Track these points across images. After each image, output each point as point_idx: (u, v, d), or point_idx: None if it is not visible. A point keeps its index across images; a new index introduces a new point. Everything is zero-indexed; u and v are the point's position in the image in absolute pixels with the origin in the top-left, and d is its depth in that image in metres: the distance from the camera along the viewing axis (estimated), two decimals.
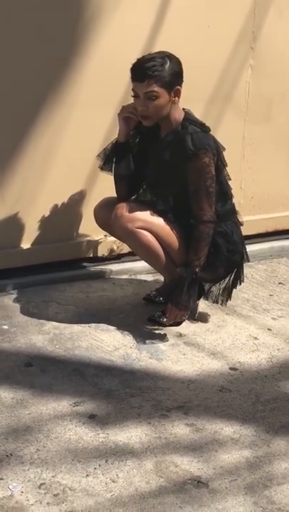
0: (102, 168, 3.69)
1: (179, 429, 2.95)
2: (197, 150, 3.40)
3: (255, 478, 2.68)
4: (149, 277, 4.21)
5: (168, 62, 3.41)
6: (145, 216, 3.49)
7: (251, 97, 4.36)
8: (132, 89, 3.47)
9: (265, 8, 4.23)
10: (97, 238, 4.18)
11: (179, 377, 3.31)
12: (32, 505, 2.49)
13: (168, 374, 3.32)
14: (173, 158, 3.49)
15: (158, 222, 3.51)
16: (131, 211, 3.48)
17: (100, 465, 2.70)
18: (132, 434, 2.90)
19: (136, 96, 3.47)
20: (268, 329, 3.77)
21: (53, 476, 2.63)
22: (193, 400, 3.14)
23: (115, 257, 4.27)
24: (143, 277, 4.22)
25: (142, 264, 4.18)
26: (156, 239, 3.51)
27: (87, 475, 2.65)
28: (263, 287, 4.21)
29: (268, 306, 4.02)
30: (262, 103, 4.43)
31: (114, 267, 4.24)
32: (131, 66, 3.45)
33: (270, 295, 4.15)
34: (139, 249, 3.59)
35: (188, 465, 2.73)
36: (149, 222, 3.49)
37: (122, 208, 3.49)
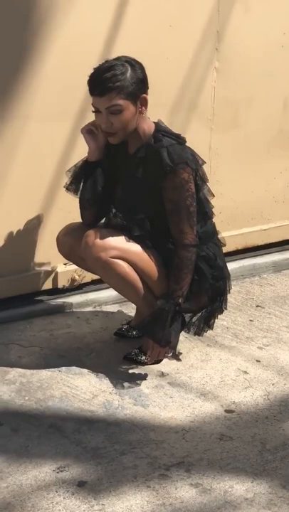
0: (67, 188, 3.26)
1: (184, 491, 2.54)
2: (175, 165, 3.02)
3: None
4: (116, 308, 3.79)
5: (129, 70, 3.02)
6: (120, 244, 3.08)
7: (217, 102, 4.00)
8: (92, 105, 3.06)
9: (230, 5, 3.88)
10: (56, 268, 3.73)
11: (171, 426, 2.90)
12: None
13: (158, 423, 2.91)
14: (147, 176, 3.09)
15: (134, 249, 3.10)
16: (103, 239, 3.06)
17: None
18: (132, 502, 2.48)
19: (97, 111, 3.06)
20: (257, 361, 3.40)
21: None
22: (192, 453, 2.74)
23: (77, 288, 3.83)
24: (109, 308, 3.79)
25: (106, 294, 3.81)
26: (134, 268, 3.10)
27: None
28: (240, 312, 3.84)
29: (250, 333, 3.65)
30: (229, 109, 4.08)
31: (76, 298, 3.81)
32: (88, 78, 3.03)
33: (250, 320, 3.78)
34: (114, 281, 3.17)
35: None
36: (125, 251, 3.08)
37: (93, 236, 3.06)
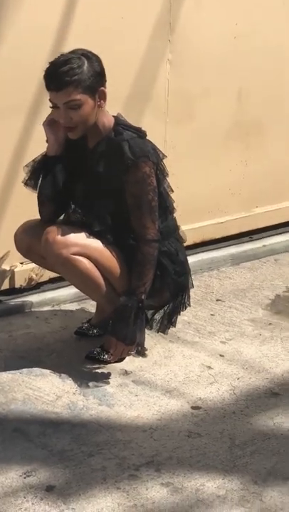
0: (26, 184, 3.17)
1: (155, 491, 2.49)
2: (136, 158, 2.96)
3: None
4: (75, 306, 3.72)
5: (86, 62, 2.94)
6: (81, 240, 3.01)
7: (171, 95, 3.94)
8: (50, 100, 2.98)
9: None
10: (12, 267, 3.64)
11: (138, 425, 2.84)
12: None
13: (125, 422, 2.85)
14: (107, 171, 3.02)
15: (96, 245, 3.03)
16: (64, 235, 2.98)
17: None
18: (102, 505, 2.42)
19: (55, 107, 2.98)
20: (220, 355, 3.36)
21: None
22: (161, 451, 2.69)
23: (34, 287, 3.74)
24: (68, 307, 3.72)
25: (65, 293, 3.75)
26: (95, 265, 3.03)
27: None
28: (201, 306, 3.80)
29: (212, 328, 3.61)
30: (183, 101, 4.03)
31: (34, 298, 3.72)
32: (44, 73, 2.95)
33: (212, 315, 3.74)
34: (75, 279, 3.10)
35: None
36: (86, 247, 3.01)
37: (53, 232, 2.99)
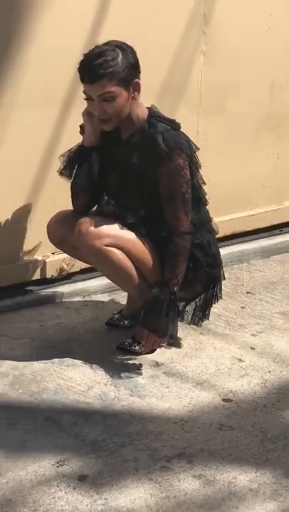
0: (61, 173, 3.17)
1: (187, 483, 2.49)
2: (171, 151, 2.95)
3: None
4: (106, 297, 3.72)
5: (120, 54, 2.94)
6: (114, 231, 3.01)
7: (204, 86, 3.93)
8: (84, 92, 2.98)
9: None
10: (44, 258, 3.65)
11: (170, 416, 2.85)
12: None
13: (156, 414, 2.86)
14: (141, 162, 3.02)
15: (129, 237, 3.03)
16: (97, 226, 2.99)
17: None
18: (135, 496, 2.43)
19: (89, 99, 2.98)
20: (251, 348, 3.35)
21: None
22: (193, 443, 2.69)
23: (65, 277, 3.75)
24: (99, 298, 3.72)
25: (96, 283, 3.74)
26: (128, 256, 3.04)
27: None
28: (232, 299, 3.79)
29: (242, 320, 3.60)
30: (216, 93, 4.01)
31: (65, 288, 3.72)
32: (78, 65, 2.95)
33: (242, 307, 3.73)
34: (108, 270, 3.11)
35: None
36: (120, 238, 3.01)
37: (87, 224, 2.99)
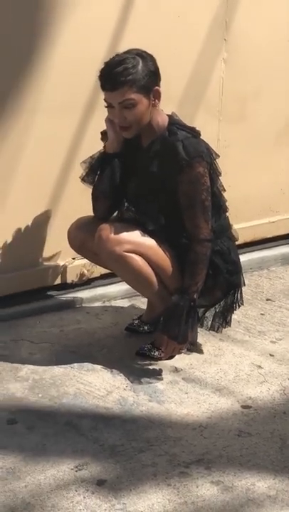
0: (83, 180, 3.21)
1: (205, 489, 2.50)
2: (191, 158, 2.97)
3: None
4: (126, 303, 3.74)
5: (140, 62, 2.96)
6: (134, 238, 3.03)
7: (225, 94, 3.95)
8: (104, 100, 3.01)
9: None
10: (64, 263, 3.68)
11: (189, 422, 2.86)
12: None
13: (175, 419, 2.87)
14: (161, 170, 3.04)
15: (149, 243, 3.05)
16: (117, 232, 3.01)
17: None
18: (153, 501, 2.44)
19: (109, 106, 3.00)
20: (270, 355, 3.36)
21: None
22: (211, 450, 2.70)
23: (85, 283, 3.78)
24: (118, 303, 3.74)
25: (115, 289, 3.77)
26: (148, 263, 3.06)
27: None
28: (251, 306, 3.80)
29: (262, 327, 3.61)
30: (237, 100, 4.03)
31: (85, 293, 3.75)
32: (99, 73, 2.97)
33: (262, 314, 3.74)
34: (128, 276, 3.13)
35: None
36: (140, 245, 3.03)
37: (107, 230, 3.01)
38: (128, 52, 3.02)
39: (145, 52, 3.02)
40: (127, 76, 2.93)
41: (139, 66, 2.95)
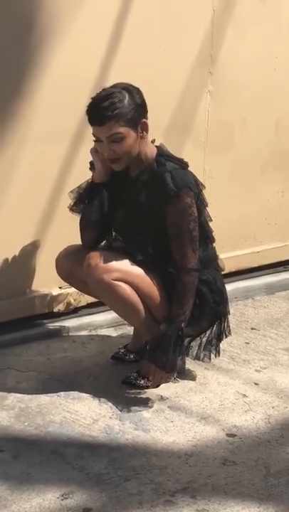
0: (72, 209, 3.24)
1: None
2: (179, 189, 3.01)
3: None
4: (112, 332, 3.77)
5: (127, 96, 3.01)
6: (123, 266, 3.06)
7: (211, 125, 4.01)
8: (93, 134, 3.05)
9: (223, 29, 3.90)
10: (51, 291, 3.70)
11: (174, 450, 2.87)
12: None
13: (160, 448, 2.88)
14: (149, 200, 3.08)
15: (137, 272, 3.08)
16: (106, 261, 3.04)
17: None
18: None
19: (98, 140, 3.05)
20: (255, 383, 3.38)
21: None
22: (196, 478, 2.71)
23: (72, 311, 3.80)
24: (104, 332, 3.77)
25: (102, 318, 3.80)
26: (136, 291, 3.08)
27: None
28: (236, 334, 3.82)
29: (247, 356, 3.64)
30: (222, 131, 4.09)
31: (71, 322, 3.77)
32: (86, 108, 3.03)
33: (246, 343, 3.77)
34: (116, 304, 3.15)
35: None
36: (128, 273, 3.06)
37: (96, 258, 3.04)
38: (114, 86, 3.06)
39: (131, 85, 3.07)
40: (113, 110, 2.97)
41: (126, 100, 2.99)
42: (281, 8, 4.18)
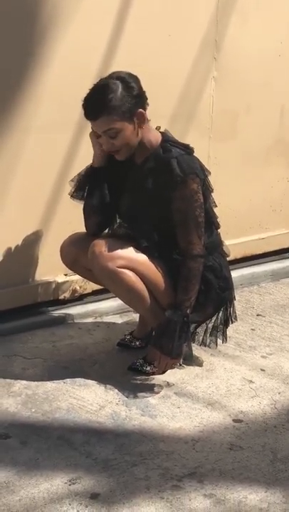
0: (72, 196, 3.23)
1: (198, 502, 2.52)
2: (185, 175, 3.00)
3: None
4: (117, 319, 3.77)
5: (120, 88, 2.96)
6: (127, 253, 3.06)
7: (215, 111, 4.00)
8: (91, 127, 3.05)
9: (228, 14, 3.89)
10: (57, 279, 3.70)
11: (181, 436, 2.88)
12: None
13: (167, 434, 2.89)
14: (155, 187, 3.07)
15: (142, 259, 3.08)
16: (110, 248, 3.03)
17: None
18: None
19: (97, 134, 3.05)
20: (261, 370, 3.39)
21: None
22: (204, 463, 2.72)
23: (78, 299, 3.80)
24: (110, 319, 3.77)
25: (107, 305, 3.80)
26: (141, 278, 3.08)
27: None
28: (242, 321, 3.82)
29: (252, 342, 3.64)
30: (227, 118, 4.09)
31: (77, 309, 3.78)
32: (82, 102, 3.01)
33: (252, 329, 3.77)
34: (121, 291, 3.15)
35: None
36: (133, 260, 3.06)
37: (100, 245, 3.04)
38: (110, 77, 3.02)
39: (128, 74, 3.02)
40: (105, 105, 2.94)
41: (119, 92, 2.94)
42: None
